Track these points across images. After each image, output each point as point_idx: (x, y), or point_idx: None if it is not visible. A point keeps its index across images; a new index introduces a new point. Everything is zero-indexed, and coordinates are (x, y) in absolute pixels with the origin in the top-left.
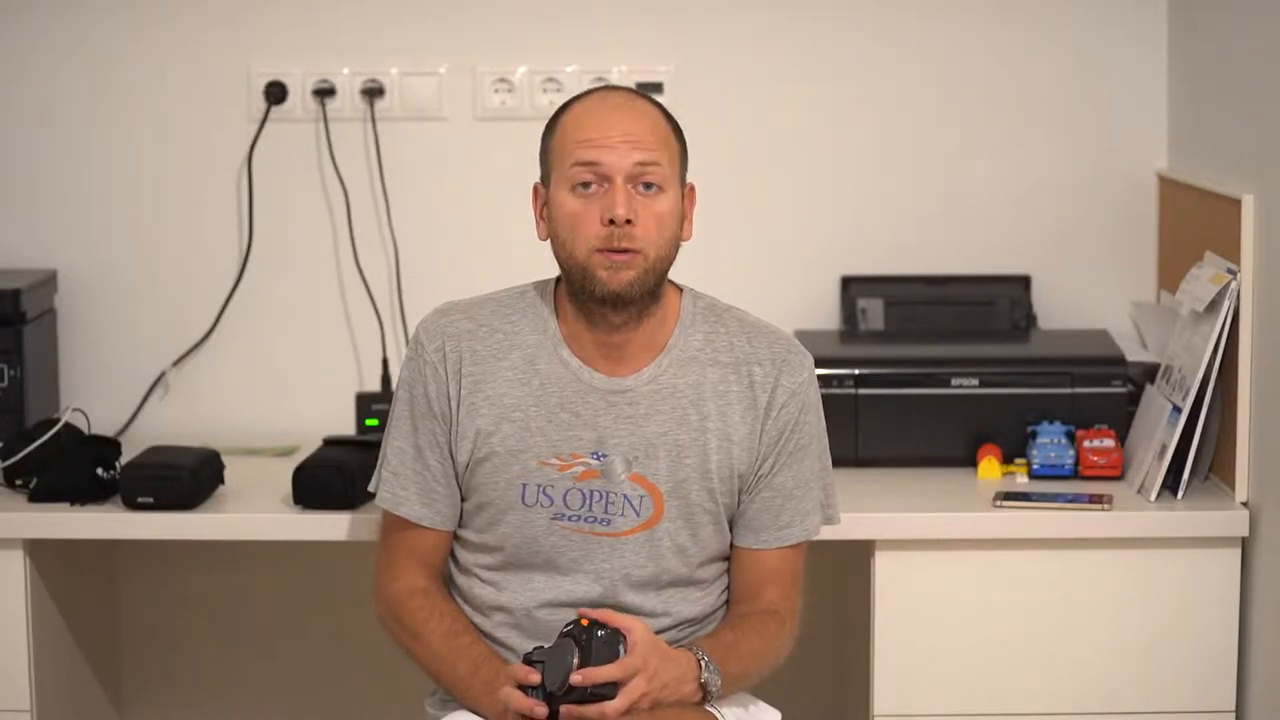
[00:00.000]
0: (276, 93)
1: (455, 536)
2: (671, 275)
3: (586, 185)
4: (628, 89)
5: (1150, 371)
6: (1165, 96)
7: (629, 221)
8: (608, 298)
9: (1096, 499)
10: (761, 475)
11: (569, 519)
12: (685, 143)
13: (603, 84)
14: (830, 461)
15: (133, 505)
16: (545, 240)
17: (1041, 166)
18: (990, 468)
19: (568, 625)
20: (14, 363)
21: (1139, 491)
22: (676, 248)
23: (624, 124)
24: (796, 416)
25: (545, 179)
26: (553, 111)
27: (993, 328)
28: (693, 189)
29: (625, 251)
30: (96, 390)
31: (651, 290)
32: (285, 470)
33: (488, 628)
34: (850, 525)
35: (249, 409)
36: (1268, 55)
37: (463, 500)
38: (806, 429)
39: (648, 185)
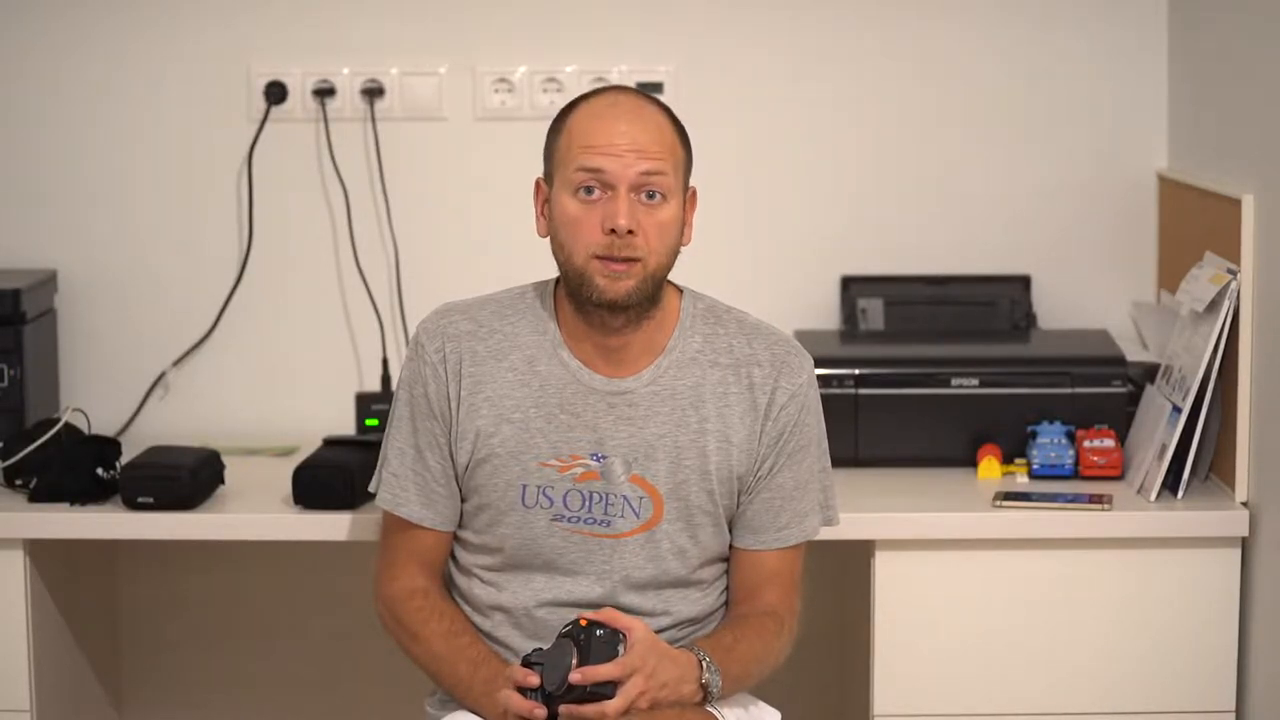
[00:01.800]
0: (276, 93)
1: (455, 537)
2: (672, 276)
3: (590, 190)
4: (638, 92)
5: (1150, 371)
6: (1165, 96)
7: (630, 232)
8: (605, 305)
9: (1096, 499)
10: (761, 476)
11: (569, 520)
12: (691, 149)
13: (612, 85)
14: (830, 462)
15: (133, 505)
16: (544, 237)
17: (1041, 166)
18: (990, 468)
19: (566, 626)
20: (14, 363)
21: (1139, 491)
22: (676, 254)
23: (631, 132)
24: (796, 418)
25: (548, 177)
26: (560, 107)
27: (993, 328)
28: (694, 193)
29: (626, 261)
30: (96, 390)
31: (650, 296)
32: (285, 470)
33: (488, 628)
34: (850, 525)
35: (249, 409)
36: (1268, 55)
37: (463, 501)
38: (806, 430)
39: (650, 194)
